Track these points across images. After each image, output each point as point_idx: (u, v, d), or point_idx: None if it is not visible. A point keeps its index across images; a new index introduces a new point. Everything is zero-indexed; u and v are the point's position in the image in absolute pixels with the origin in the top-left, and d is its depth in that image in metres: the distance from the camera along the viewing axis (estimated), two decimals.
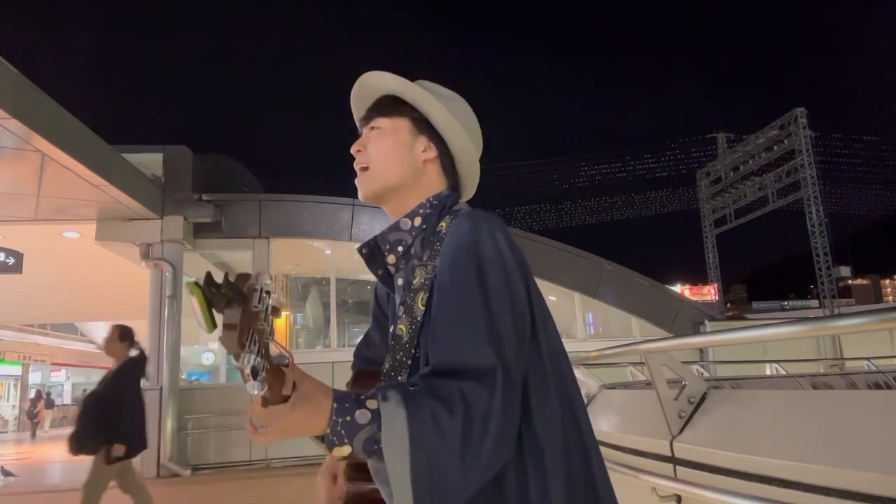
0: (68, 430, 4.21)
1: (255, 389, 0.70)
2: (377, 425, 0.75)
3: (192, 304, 0.65)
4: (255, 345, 0.68)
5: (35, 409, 20.30)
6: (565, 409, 0.88)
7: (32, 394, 22.70)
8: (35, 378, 24.71)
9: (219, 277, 0.67)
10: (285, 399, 0.75)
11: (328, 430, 0.76)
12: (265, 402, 0.74)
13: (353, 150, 1.09)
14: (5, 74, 5.88)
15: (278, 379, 0.74)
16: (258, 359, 0.68)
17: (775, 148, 27.61)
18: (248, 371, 0.67)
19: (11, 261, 10.24)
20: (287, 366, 0.77)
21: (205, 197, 10.09)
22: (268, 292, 0.71)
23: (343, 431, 0.76)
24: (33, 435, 19.48)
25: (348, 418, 0.76)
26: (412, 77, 1.10)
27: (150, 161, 9.73)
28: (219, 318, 0.66)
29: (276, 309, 0.74)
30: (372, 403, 0.77)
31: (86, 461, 4.14)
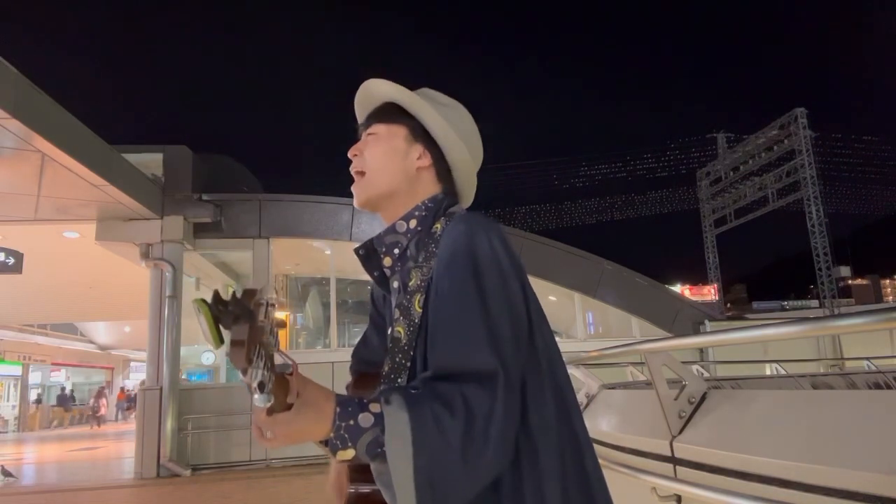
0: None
1: (261, 402, 0.71)
2: (380, 428, 0.76)
3: (199, 321, 0.66)
4: (261, 359, 0.69)
5: (97, 405, 23.94)
6: (560, 410, 0.89)
7: (33, 394, 24.33)
8: (35, 378, 24.72)
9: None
10: (289, 407, 0.76)
11: (332, 435, 0.77)
12: (270, 410, 0.75)
13: (349, 154, 1.10)
14: (5, 74, 5.88)
15: (282, 388, 0.75)
16: (265, 372, 0.69)
17: (775, 148, 27.58)
18: (255, 385, 0.69)
19: (11, 261, 10.24)
20: (291, 374, 0.77)
21: (205, 197, 10.09)
22: (272, 305, 0.72)
23: (346, 435, 0.77)
24: (98, 425, 23.23)
25: (351, 422, 0.77)
26: (412, 85, 1.11)
27: (150, 161, 9.73)
28: (226, 334, 0.67)
29: (282, 321, 0.75)
30: (375, 407, 0.78)
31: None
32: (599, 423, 3.07)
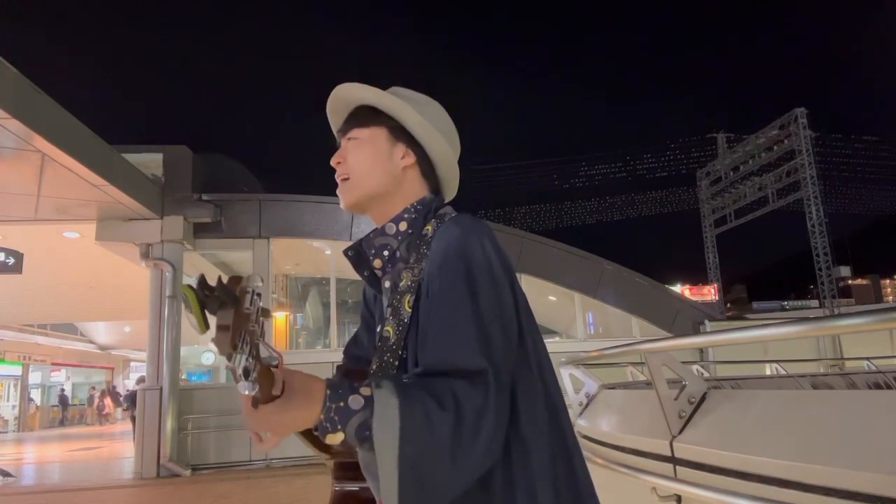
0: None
1: (246, 389, 0.71)
2: (370, 411, 0.76)
3: (184, 306, 0.66)
4: (246, 346, 0.69)
5: (102, 404, 25.48)
6: (551, 414, 0.91)
7: (33, 394, 24.74)
8: (35, 378, 24.74)
9: (214, 279, 0.68)
10: (274, 399, 0.76)
11: (322, 416, 0.77)
12: (255, 402, 0.75)
13: (333, 163, 1.10)
14: (5, 74, 5.88)
15: (268, 379, 0.75)
16: (249, 359, 0.70)
17: (775, 148, 27.56)
18: (239, 371, 0.69)
19: (11, 261, 10.24)
20: (276, 366, 0.77)
21: (205, 197, 10.09)
22: (258, 294, 0.72)
23: (336, 417, 0.77)
24: (102, 423, 24.78)
25: (342, 404, 0.77)
26: (411, 85, 1.11)
27: (150, 161, 9.73)
28: (212, 320, 0.67)
29: (266, 310, 0.75)
30: (366, 391, 0.78)
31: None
32: (599, 423, 3.07)
